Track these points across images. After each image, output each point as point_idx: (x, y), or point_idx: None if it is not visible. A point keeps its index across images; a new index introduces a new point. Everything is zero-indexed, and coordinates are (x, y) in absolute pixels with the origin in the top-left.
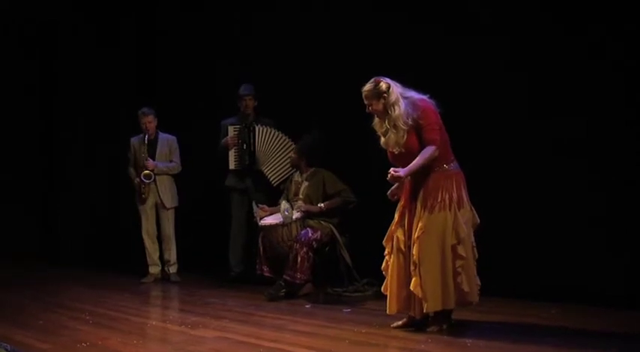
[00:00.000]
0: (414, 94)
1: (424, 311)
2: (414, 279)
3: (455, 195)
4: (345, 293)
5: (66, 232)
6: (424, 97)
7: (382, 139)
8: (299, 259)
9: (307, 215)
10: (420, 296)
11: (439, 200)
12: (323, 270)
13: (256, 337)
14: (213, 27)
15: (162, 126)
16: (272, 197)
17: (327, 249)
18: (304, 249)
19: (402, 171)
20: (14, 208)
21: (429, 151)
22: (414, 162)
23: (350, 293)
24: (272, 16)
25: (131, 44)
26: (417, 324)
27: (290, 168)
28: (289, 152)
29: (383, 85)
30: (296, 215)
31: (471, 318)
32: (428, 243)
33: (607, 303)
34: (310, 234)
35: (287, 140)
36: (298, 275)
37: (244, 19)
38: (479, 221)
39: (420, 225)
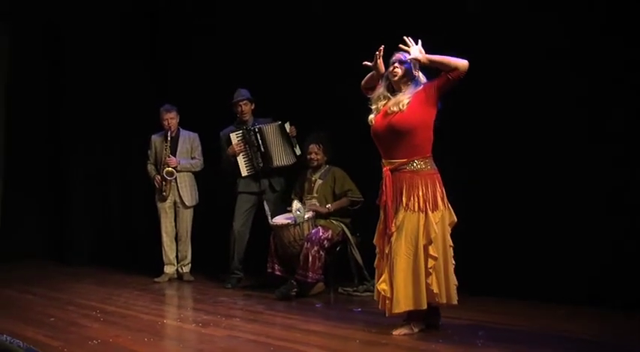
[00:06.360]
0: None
1: (393, 311)
2: (383, 276)
3: (429, 196)
4: (356, 292)
5: (76, 230)
6: None
7: (371, 115)
8: (310, 258)
9: (318, 214)
10: (386, 294)
11: (413, 200)
12: (334, 270)
13: (267, 336)
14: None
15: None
16: (288, 195)
17: (338, 248)
18: (315, 248)
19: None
20: (24, 207)
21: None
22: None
23: (360, 292)
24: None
25: (142, 43)
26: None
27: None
28: (289, 130)
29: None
30: (308, 215)
31: (481, 319)
32: (401, 243)
33: (617, 307)
34: (321, 233)
35: (281, 124)
36: (310, 275)
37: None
38: (456, 219)
39: (395, 223)
